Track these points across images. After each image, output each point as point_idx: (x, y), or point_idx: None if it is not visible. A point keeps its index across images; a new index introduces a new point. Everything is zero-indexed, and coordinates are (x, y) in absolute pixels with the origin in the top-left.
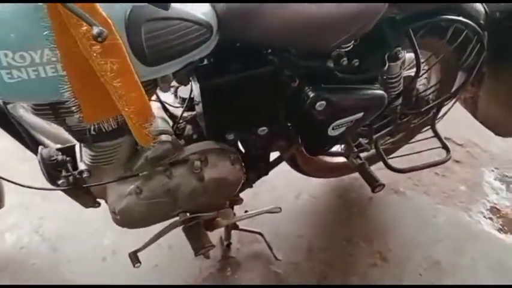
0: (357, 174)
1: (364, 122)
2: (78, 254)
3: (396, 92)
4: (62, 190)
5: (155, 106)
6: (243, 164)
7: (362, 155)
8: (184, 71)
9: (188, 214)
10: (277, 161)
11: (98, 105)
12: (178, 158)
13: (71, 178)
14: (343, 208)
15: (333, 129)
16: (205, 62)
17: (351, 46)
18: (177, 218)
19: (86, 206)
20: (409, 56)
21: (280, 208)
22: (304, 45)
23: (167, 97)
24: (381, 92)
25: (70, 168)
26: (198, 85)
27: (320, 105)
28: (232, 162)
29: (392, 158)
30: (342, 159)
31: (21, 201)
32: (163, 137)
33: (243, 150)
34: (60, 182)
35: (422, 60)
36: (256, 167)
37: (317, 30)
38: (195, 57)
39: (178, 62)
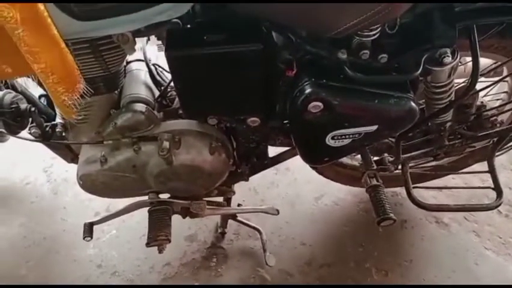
0: (394, 189)
1: (382, 137)
2: (74, 203)
3: (441, 106)
4: (30, 140)
5: (142, 70)
6: (230, 155)
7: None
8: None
9: (159, 196)
10: (283, 157)
11: (9, 60)
12: (150, 133)
13: (36, 129)
14: (367, 225)
15: (332, 139)
16: (180, 25)
17: (378, 34)
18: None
19: (67, 160)
20: (484, 62)
21: (278, 211)
22: (303, 24)
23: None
24: (409, 103)
25: (38, 118)
26: (165, 53)
27: (314, 106)
28: (212, 150)
29: (419, 187)
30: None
31: None
32: (137, 106)
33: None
34: (32, 131)
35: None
36: (249, 161)
37: (320, 9)
38: (157, 17)
39: (129, 21)
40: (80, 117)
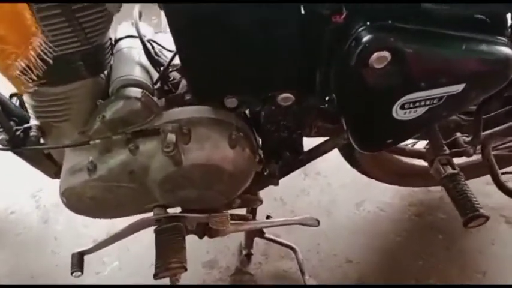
0: None
1: (468, 102)
2: (67, 232)
3: None
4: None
5: (135, 48)
6: (255, 149)
7: (457, 160)
8: None
9: (167, 211)
10: (319, 151)
11: None
12: (150, 125)
13: (3, 135)
14: (423, 232)
15: (401, 108)
16: None
17: None
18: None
19: (50, 175)
20: None
21: (318, 221)
22: None
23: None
24: (506, 50)
25: (7, 122)
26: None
27: (379, 59)
28: (233, 143)
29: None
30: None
31: None
32: (130, 91)
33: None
34: None
35: None
36: (279, 157)
37: None
38: None
39: None
40: (57, 112)
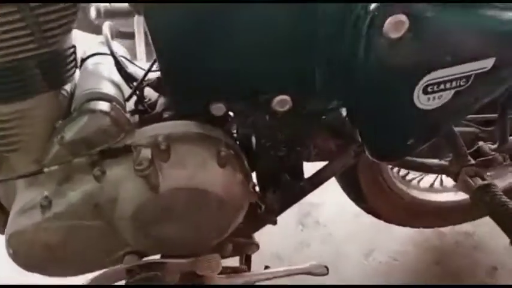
0: (471, 226)
1: (499, 83)
2: None
3: None
4: None
5: (104, 64)
6: (247, 172)
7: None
8: None
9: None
10: (324, 175)
11: None
12: (121, 144)
13: None
14: (445, 282)
15: (424, 92)
16: None
17: None
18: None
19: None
20: None
21: (327, 268)
22: None
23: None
24: None
25: None
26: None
27: (396, 24)
28: (223, 161)
29: None
30: (445, 195)
31: None
32: (98, 104)
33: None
34: None
35: None
36: (277, 182)
37: None
38: None
39: None
40: (6, 139)
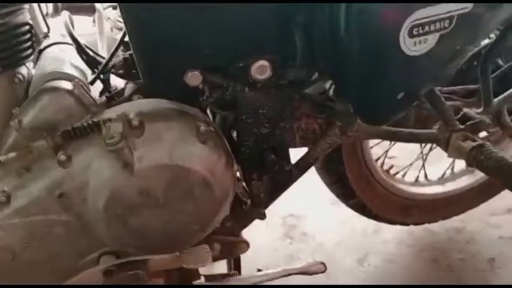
0: (460, 222)
1: (480, 31)
2: None
3: None
4: None
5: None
6: (229, 153)
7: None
8: None
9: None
10: (310, 158)
11: None
12: (87, 121)
13: None
14: (442, 279)
15: (410, 35)
16: None
17: None
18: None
19: None
20: None
21: (325, 266)
22: None
23: None
24: None
25: None
26: None
27: None
28: (203, 137)
29: None
30: (433, 188)
31: None
32: (60, 83)
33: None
34: None
35: None
36: (263, 164)
37: None
38: None
39: None
40: None
